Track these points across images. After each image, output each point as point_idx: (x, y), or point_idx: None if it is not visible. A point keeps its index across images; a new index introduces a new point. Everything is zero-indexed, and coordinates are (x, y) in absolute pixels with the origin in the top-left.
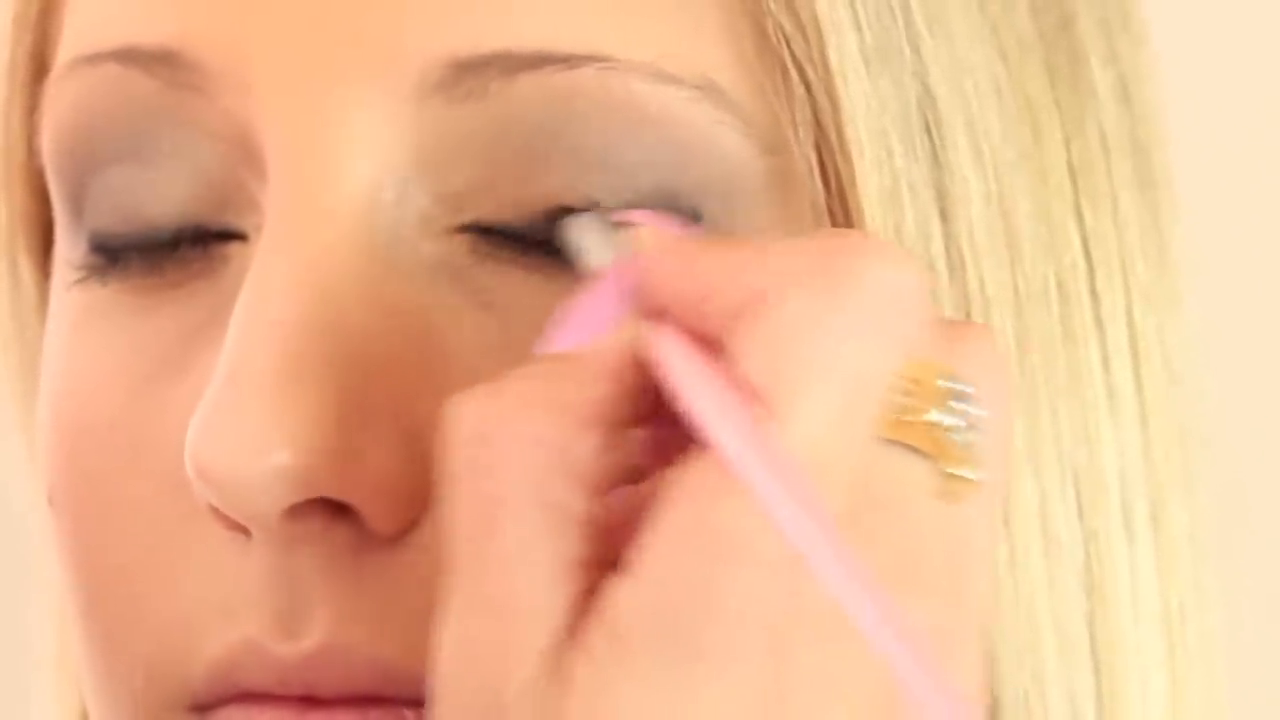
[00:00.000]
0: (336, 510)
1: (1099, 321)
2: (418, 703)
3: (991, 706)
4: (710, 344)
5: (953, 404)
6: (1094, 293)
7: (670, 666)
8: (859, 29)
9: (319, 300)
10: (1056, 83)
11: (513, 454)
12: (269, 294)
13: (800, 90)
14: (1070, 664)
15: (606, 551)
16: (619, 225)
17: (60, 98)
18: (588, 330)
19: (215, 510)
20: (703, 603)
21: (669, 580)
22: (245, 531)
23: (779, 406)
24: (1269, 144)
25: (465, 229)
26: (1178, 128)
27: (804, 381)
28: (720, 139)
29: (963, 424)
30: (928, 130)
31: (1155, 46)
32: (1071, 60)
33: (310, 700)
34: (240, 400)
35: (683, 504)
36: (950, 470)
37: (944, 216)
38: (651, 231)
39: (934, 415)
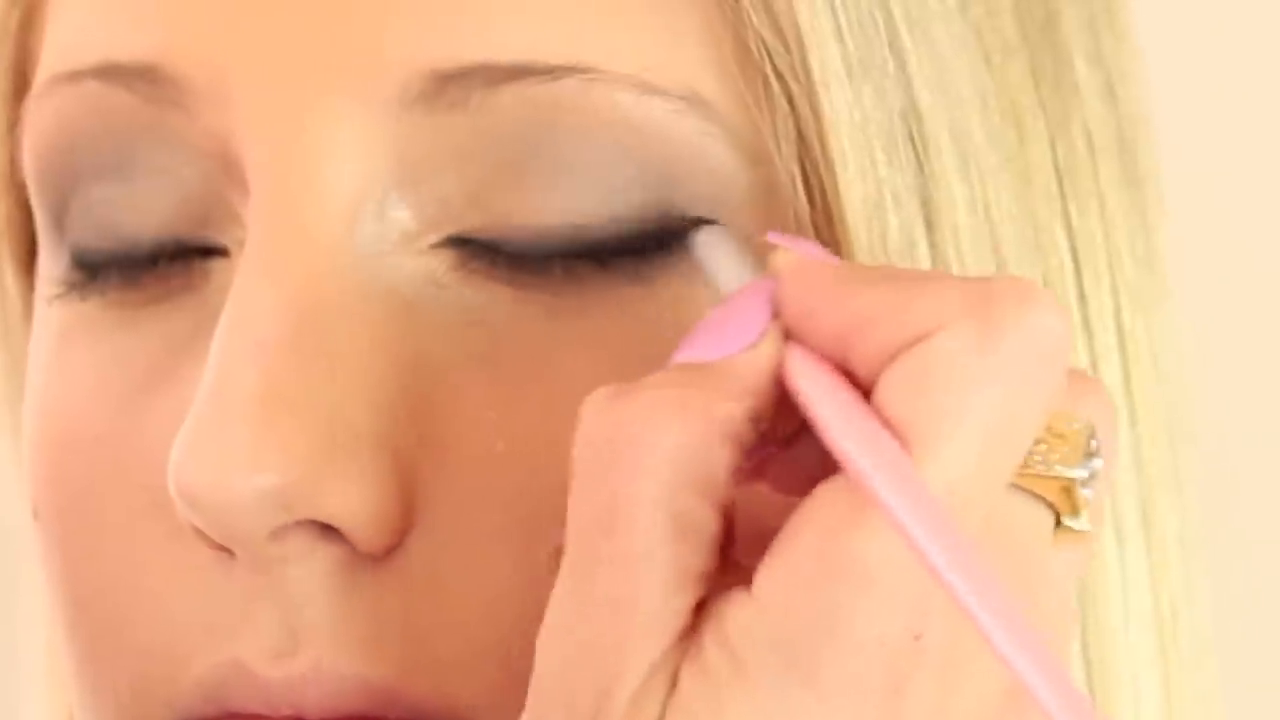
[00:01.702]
0: (322, 531)
1: (1087, 323)
2: None
3: None
4: (855, 378)
5: (1090, 461)
6: (1081, 294)
7: (785, 691)
8: (841, 39)
9: (302, 320)
10: (1041, 84)
11: (645, 457)
12: (252, 314)
13: (783, 102)
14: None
15: (725, 566)
16: (750, 244)
17: (41, 115)
18: (725, 344)
19: (199, 530)
20: (824, 630)
21: (793, 605)
22: (230, 552)
23: (920, 446)
24: (1256, 142)
25: (448, 243)
26: (1164, 126)
27: (950, 426)
28: (707, 150)
29: (1095, 480)
30: (911, 139)
31: (1140, 45)
32: (1056, 61)
33: None
34: (224, 422)
35: (814, 530)
36: (1067, 521)
37: (929, 224)
38: (796, 254)
39: (1070, 470)
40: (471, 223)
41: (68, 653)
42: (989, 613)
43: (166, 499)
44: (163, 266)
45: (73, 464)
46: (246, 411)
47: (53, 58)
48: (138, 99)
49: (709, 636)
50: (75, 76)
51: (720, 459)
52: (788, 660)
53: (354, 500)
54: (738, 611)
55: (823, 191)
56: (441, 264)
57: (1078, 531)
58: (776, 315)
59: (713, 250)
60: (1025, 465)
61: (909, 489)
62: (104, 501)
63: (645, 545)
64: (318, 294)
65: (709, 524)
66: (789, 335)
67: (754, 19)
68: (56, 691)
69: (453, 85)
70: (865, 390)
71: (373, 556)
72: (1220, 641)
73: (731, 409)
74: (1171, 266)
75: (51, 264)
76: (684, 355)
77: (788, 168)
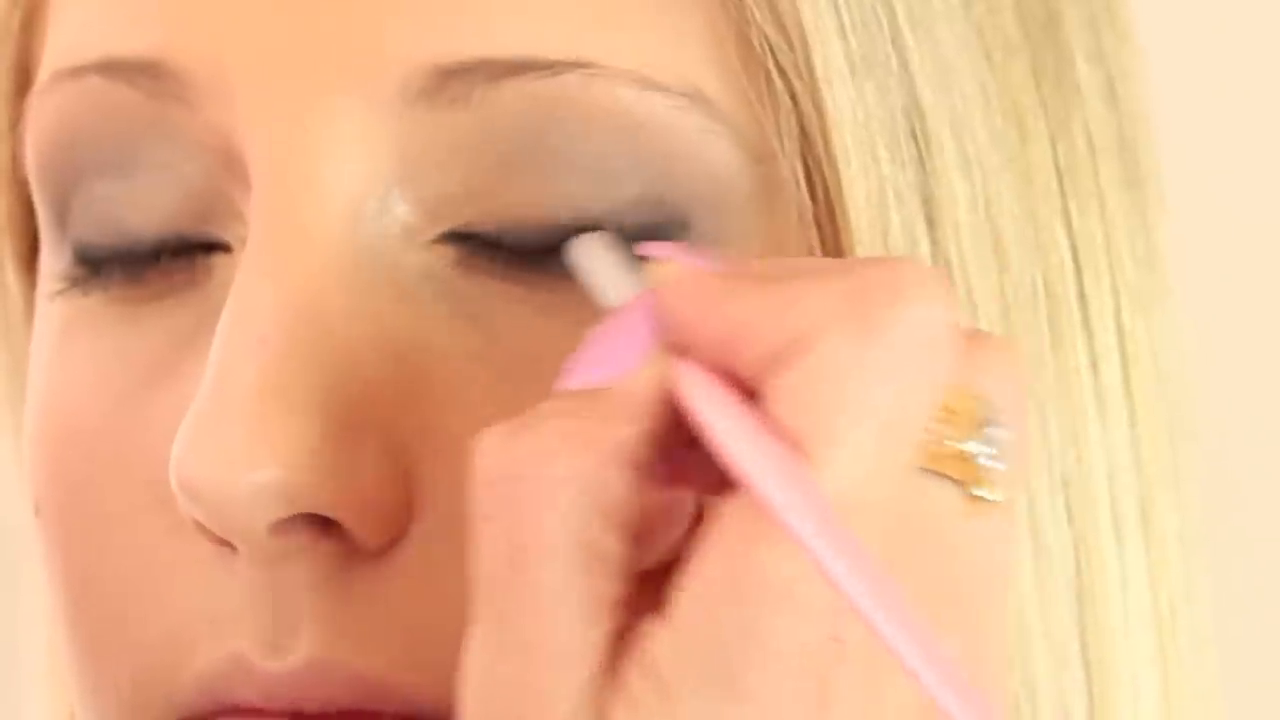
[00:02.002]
0: (322, 525)
1: (1087, 323)
2: (404, 717)
3: None
4: (742, 385)
5: (984, 431)
6: (1082, 294)
7: (711, 710)
8: (844, 37)
9: (303, 315)
10: (1042, 84)
11: (544, 492)
12: (253, 309)
13: (786, 99)
14: (1061, 667)
15: (638, 591)
16: (637, 255)
17: (43, 111)
18: (611, 365)
19: (200, 525)
20: (746, 647)
21: (711, 624)
22: (231, 546)
23: (815, 452)
24: (1257, 142)
25: (448, 238)
26: (1165, 126)
27: (840, 427)
28: (708, 148)
29: (993, 448)
30: (914, 136)
31: (1142, 44)
32: (1057, 60)
33: (298, 715)
34: (225, 416)
35: (721, 547)
36: (976, 492)
37: (930, 222)
38: (675, 265)
39: (967, 445)
40: (472, 217)
41: (69, 649)
42: (890, 621)
43: (168, 494)
44: (165, 262)
45: (74, 459)
46: (247, 406)
47: (55, 55)
48: (140, 94)
49: (631, 665)
50: (78, 73)
51: (620, 486)
52: (712, 679)
53: (354, 495)
54: (656, 637)
55: (825, 188)
56: (442, 259)
57: (990, 501)
58: (660, 331)
59: (594, 260)
60: (924, 449)
61: (804, 501)
62: (105, 497)
63: (553, 581)
64: (319, 289)
65: (616, 552)
66: (677, 350)
67: (757, 16)
68: (58, 688)
69: (454, 81)
70: (755, 398)
71: (372, 551)
72: (1220, 640)
73: (624, 434)
74: (1173, 265)
75: (53, 260)
76: (572, 378)
77: (790, 165)
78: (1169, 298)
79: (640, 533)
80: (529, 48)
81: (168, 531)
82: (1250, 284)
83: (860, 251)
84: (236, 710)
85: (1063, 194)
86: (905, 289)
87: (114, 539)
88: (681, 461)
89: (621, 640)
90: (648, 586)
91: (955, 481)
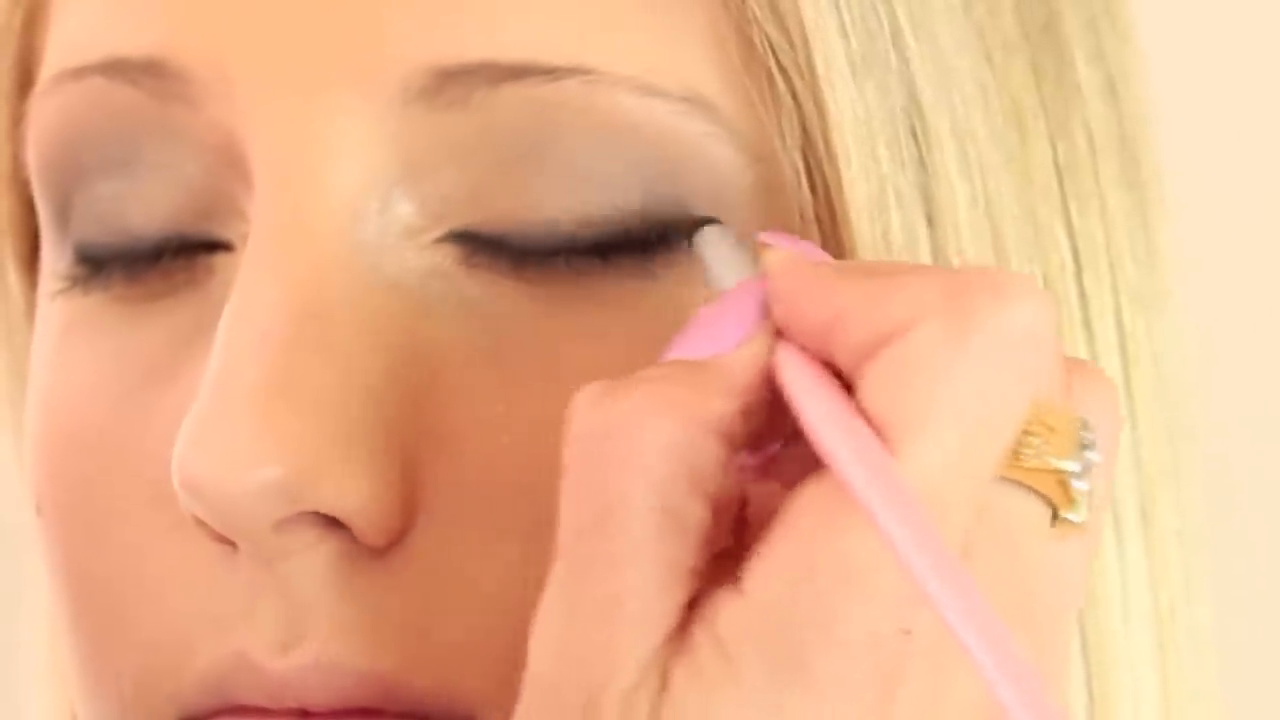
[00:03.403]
0: (325, 523)
1: (1087, 322)
2: (410, 715)
3: None
4: (840, 372)
5: (1084, 453)
6: (1082, 293)
7: (776, 689)
8: (845, 36)
9: (305, 313)
10: (1042, 83)
11: (636, 453)
12: (255, 306)
13: (787, 99)
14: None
15: (716, 563)
16: (749, 243)
17: (45, 111)
18: (715, 342)
19: (203, 523)
20: (816, 629)
21: (783, 603)
22: (233, 544)
23: (899, 441)
24: (1258, 141)
25: (450, 237)
26: (1166, 125)
27: (926, 419)
28: (708, 150)
29: (1090, 471)
30: (914, 136)
31: (1143, 44)
32: (1057, 60)
33: (302, 714)
34: (228, 414)
35: (803, 527)
36: (1064, 514)
37: (930, 221)
38: (785, 252)
39: (1062, 462)
40: (475, 217)
41: (70, 648)
42: (962, 614)
43: (170, 493)
44: (166, 261)
45: (76, 459)
46: (250, 404)
47: (57, 55)
48: (143, 94)
49: (700, 634)
50: (80, 73)
51: (710, 455)
52: (778, 658)
53: (357, 492)
54: (728, 609)
55: (826, 188)
56: (445, 258)
57: (1077, 524)
58: (767, 314)
59: (712, 248)
60: (1017, 458)
61: (888, 486)
62: (107, 496)
63: (635, 542)
64: (321, 288)
65: (699, 520)
66: (779, 334)
67: (758, 16)
68: (59, 688)
69: (454, 83)
70: (853, 387)
71: (375, 549)
72: (1221, 640)
73: (720, 406)
74: (1174, 265)
75: (55, 259)
76: (676, 353)
77: (792, 163)
78: (1169, 298)
79: (723, 510)
80: (530, 52)
81: (169, 530)
82: (1252, 284)
83: (861, 251)
84: (241, 709)
85: (1063, 194)
86: (1007, 290)
87: (115, 538)
88: (777, 456)
89: (693, 610)
90: (724, 565)
91: (1044, 499)
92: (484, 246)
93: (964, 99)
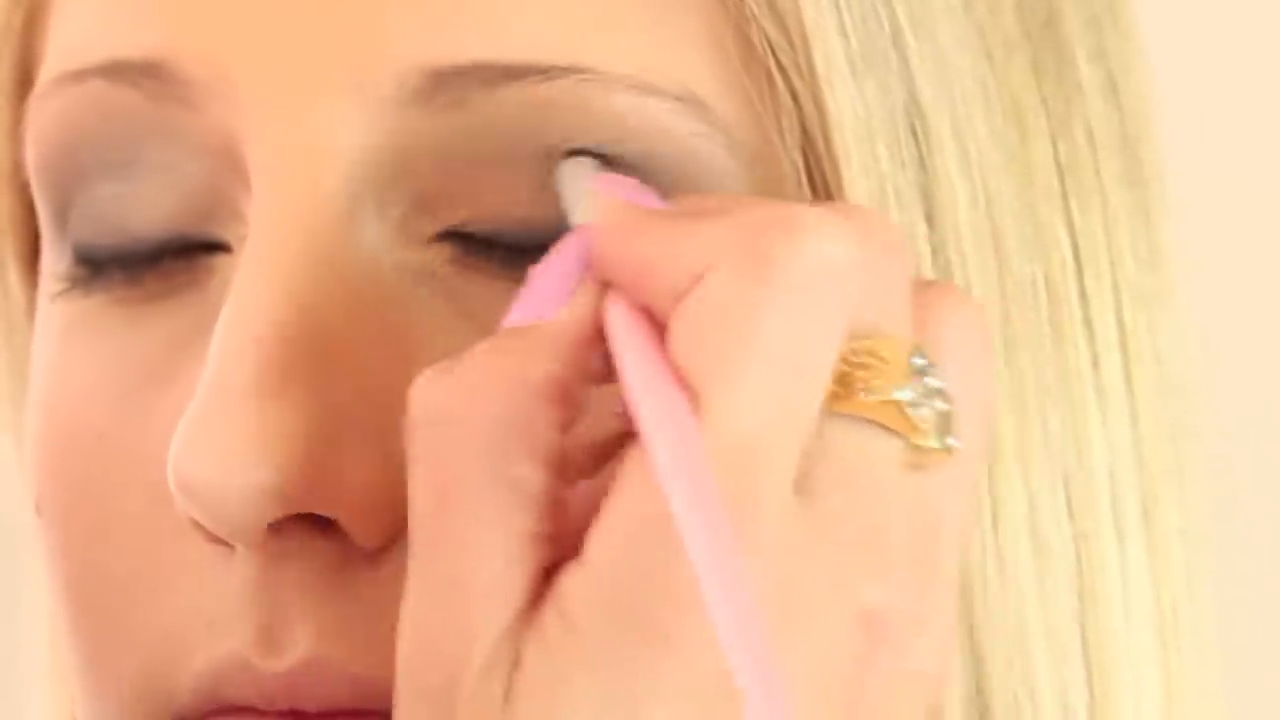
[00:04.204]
0: (319, 525)
1: (1088, 321)
2: None
3: (982, 711)
4: (657, 320)
5: (921, 380)
6: (1083, 292)
7: (622, 652)
8: (844, 35)
9: (300, 314)
10: (1043, 82)
11: (466, 430)
12: (251, 308)
13: (786, 98)
14: (1062, 666)
15: (571, 529)
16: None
17: (45, 114)
18: (548, 301)
19: (198, 524)
20: (651, 588)
21: (617, 565)
22: (229, 546)
23: (706, 392)
24: (1260, 139)
25: (445, 237)
26: (1168, 124)
27: (731, 365)
28: (703, 150)
29: (931, 397)
30: (914, 135)
31: (1144, 42)
32: (1058, 58)
33: (295, 714)
34: (222, 415)
35: (627, 488)
36: (919, 443)
37: (930, 221)
38: (605, 196)
39: (899, 393)
40: (469, 217)
41: (69, 649)
42: (719, 584)
43: (168, 494)
44: (166, 263)
45: (75, 460)
46: (245, 405)
47: (57, 57)
48: (142, 96)
49: (547, 606)
50: (80, 75)
51: (542, 420)
52: (622, 621)
53: (351, 494)
54: (571, 577)
55: (825, 187)
56: (439, 258)
57: (938, 451)
58: (591, 264)
59: (571, 183)
60: (849, 392)
61: (676, 447)
62: (106, 497)
63: (475, 519)
64: (316, 289)
65: (540, 486)
66: (606, 284)
67: (757, 15)
68: (59, 688)
69: (450, 83)
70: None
71: (369, 551)
72: (1223, 639)
73: (545, 368)
74: (1176, 263)
75: (54, 261)
76: (510, 318)
77: (791, 163)
78: (1171, 296)
79: (574, 469)
80: (526, 52)
81: (168, 531)
82: (1255, 282)
83: None
84: (234, 710)
85: (1064, 192)
86: (802, 224)
87: (114, 539)
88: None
89: (548, 580)
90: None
91: (892, 432)
92: (477, 246)
93: (964, 98)
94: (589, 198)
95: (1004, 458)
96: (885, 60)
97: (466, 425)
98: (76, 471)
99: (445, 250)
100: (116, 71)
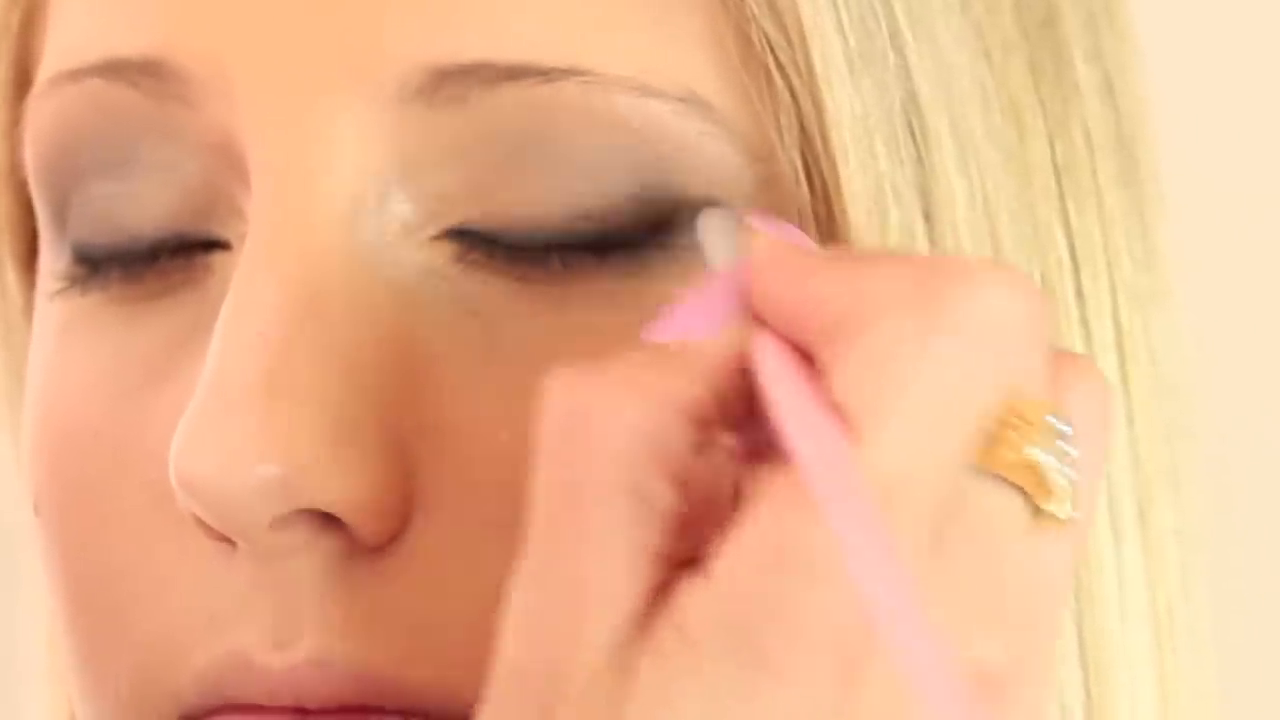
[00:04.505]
0: (323, 521)
1: (1084, 320)
2: (407, 712)
3: None
4: (809, 358)
5: (1057, 443)
6: (1079, 292)
7: (735, 674)
8: (843, 34)
9: (302, 310)
10: (1040, 82)
11: (607, 435)
12: (252, 305)
13: (785, 97)
14: (1058, 666)
15: (687, 548)
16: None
17: (43, 113)
18: (695, 326)
19: (200, 521)
20: (774, 615)
21: (743, 589)
22: (231, 542)
23: (863, 430)
24: (1257, 139)
25: (448, 235)
26: (1164, 124)
27: (889, 408)
28: (705, 149)
29: (1062, 463)
30: (912, 133)
31: (1141, 42)
32: (1055, 59)
33: (299, 711)
34: (225, 412)
35: (764, 514)
36: (1043, 507)
37: (928, 218)
38: (766, 236)
39: (1037, 453)
40: (471, 215)
41: (68, 647)
42: (891, 612)
43: (168, 492)
44: (164, 261)
45: (74, 458)
46: (247, 401)
47: (55, 56)
48: (141, 94)
49: (663, 619)
50: (77, 75)
51: (679, 439)
52: (739, 643)
53: (354, 490)
54: (692, 594)
55: (824, 185)
56: (441, 255)
57: (1059, 519)
58: (746, 300)
59: (713, 232)
60: (991, 450)
61: (840, 478)
62: (105, 495)
63: (601, 524)
64: (318, 285)
65: (667, 503)
66: (758, 319)
67: (756, 14)
68: (58, 687)
69: (451, 82)
70: (825, 376)
71: (373, 546)
72: (1219, 639)
73: (689, 389)
74: (1172, 264)
75: (53, 259)
76: (654, 336)
77: (790, 161)
78: (1167, 296)
79: (698, 494)
80: (527, 53)
81: (167, 528)
82: (1250, 282)
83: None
84: (238, 707)
85: (1061, 192)
86: (978, 278)
87: (113, 537)
88: (762, 442)
89: (661, 595)
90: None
91: (1021, 492)
92: (480, 244)
93: (962, 97)
94: (748, 235)
95: None
96: (883, 59)
97: (605, 429)
98: (74, 470)
99: (447, 249)
100: (114, 70)
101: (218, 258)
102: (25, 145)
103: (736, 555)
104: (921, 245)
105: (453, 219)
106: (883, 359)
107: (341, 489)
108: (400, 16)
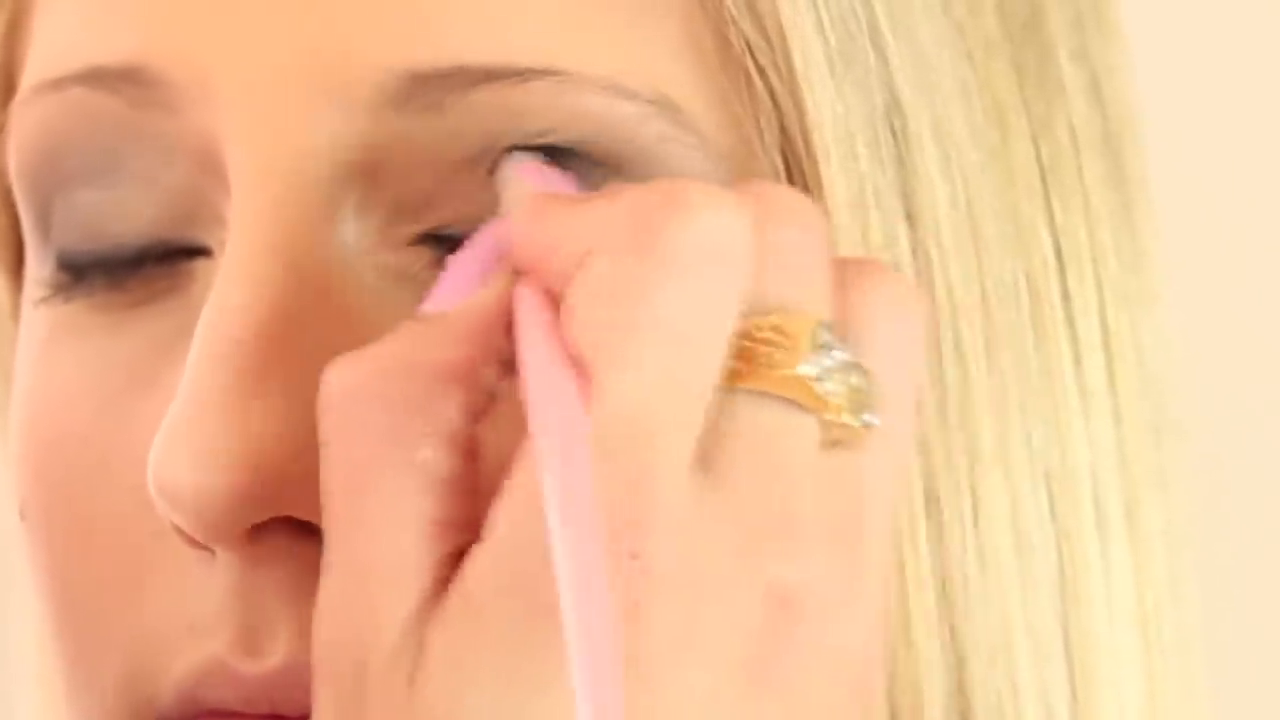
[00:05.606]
0: (299, 528)
1: (1070, 320)
2: None
3: (963, 709)
4: (554, 305)
5: (828, 354)
6: (1065, 292)
7: (520, 629)
8: (823, 34)
9: (280, 317)
10: (1025, 81)
11: (374, 414)
12: (230, 312)
13: (765, 98)
14: (1044, 665)
15: (482, 513)
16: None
17: (25, 122)
18: (460, 290)
19: (179, 528)
20: (545, 565)
21: (517, 544)
22: (209, 549)
23: (600, 371)
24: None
25: (424, 239)
26: (1151, 124)
27: (617, 342)
28: (671, 154)
29: (842, 372)
30: (894, 134)
31: (1128, 43)
32: (1040, 58)
33: (276, 718)
34: (201, 419)
35: (527, 469)
36: (831, 419)
37: (911, 220)
38: (527, 186)
39: (803, 368)
40: (447, 219)
41: (54, 652)
42: (571, 571)
43: (150, 498)
44: (148, 268)
45: (58, 464)
46: (223, 409)
47: (38, 64)
48: (122, 102)
49: (452, 589)
50: (60, 83)
51: (449, 404)
52: (516, 596)
53: None
54: (472, 559)
55: (805, 187)
56: (419, 260)
57: (855, 429)
58: (506, 251)
59: (504, 178)
60: (748, 370)
61: (559, 432)
62: (89, 502)
63: (382, 502)
64: (295, 291)
65: (444, 471)
66: (518, 270)
67: (735, 15)
68: (49, 691)
69: (427, 86)
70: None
71: None
72: (1208, 639)
73: (451, 353)
74: (1159, 263)
75: (37, 267)
76: (424, 307)
77: (771, 163)
78: (1155, 295)
79: (494, 454)
80: (502, 55)
81: (150, 535)
82: (1238, 282)
83: (841, 249)
84: (215, 713)
85: (1045, 192)
86: (688, 201)
87: (97, 543)
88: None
89: (455, 564)
90: None
91: (802, 408)
92: (456, 248)
93: (944, 97)
94: (514, 185)
95: (985, 457)
96: (864, 60)
97: (369, 408)
98: (59, 476)
99: (425, 253)
100: (95, 78)
101: (200, 264)
102: (9, 153)
103: (507, 512)
104: (904, 247)
105: (429, 223)
106: (600, 297)
107: (317, 497)
108: (377, 22)
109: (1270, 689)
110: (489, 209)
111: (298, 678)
